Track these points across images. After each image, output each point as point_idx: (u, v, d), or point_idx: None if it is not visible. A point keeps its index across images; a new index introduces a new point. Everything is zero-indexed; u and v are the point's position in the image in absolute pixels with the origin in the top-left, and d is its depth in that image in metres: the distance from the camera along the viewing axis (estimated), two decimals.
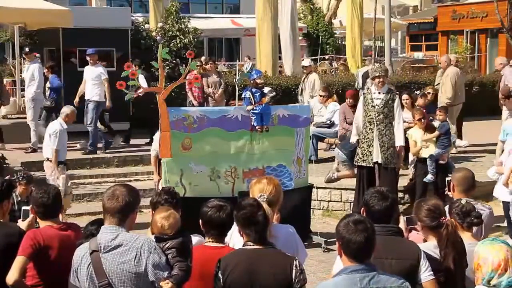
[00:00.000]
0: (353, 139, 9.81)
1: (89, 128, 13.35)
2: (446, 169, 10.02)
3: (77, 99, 13.60)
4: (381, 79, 9.51)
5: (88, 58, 13.71)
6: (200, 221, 4.61)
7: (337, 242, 3.74)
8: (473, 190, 5.58)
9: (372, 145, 9.50)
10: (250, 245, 4.18)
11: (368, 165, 9.56)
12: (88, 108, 13.41)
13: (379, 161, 9.50)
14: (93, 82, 13.42)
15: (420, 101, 11.68)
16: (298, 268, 4.10)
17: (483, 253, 3.59)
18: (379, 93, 9.54)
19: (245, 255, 4.16)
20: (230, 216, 4.49)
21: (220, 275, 4.11)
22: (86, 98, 13.51)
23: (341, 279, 3.62)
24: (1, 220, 5.04)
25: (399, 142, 9.54)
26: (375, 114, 9.50)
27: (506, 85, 13.48)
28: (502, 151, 9.27)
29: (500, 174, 8.82)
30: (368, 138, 9.56)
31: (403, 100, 11.90)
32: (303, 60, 17.22)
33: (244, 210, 4.22)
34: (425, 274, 4.25)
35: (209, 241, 4.59)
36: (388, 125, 9.52)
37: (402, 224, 4.79)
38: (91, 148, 13.26)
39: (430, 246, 4.55)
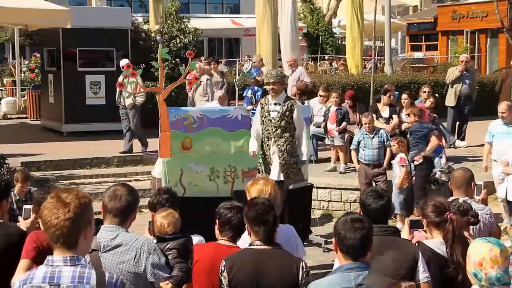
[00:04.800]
0: (252, 148, 8.40)
1: None
2: (425, 169, 9.97)
3: None
4: (270, 86, 8.16)
5: None
6: (216, 220, 4.60)
7: (334, 238, 3.75)
8: (471, 190, 5.60)
9: (271, 163, 8.30)
10: (257, 245, 4.17)
11: None
12: None
13: (280, 179, 8.10)
14: None
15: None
16: (304, 269, 4.10)
17: (469, 251, 3.67)
18: (275, 104, 8.23)
19: (251, 255, 4.15)
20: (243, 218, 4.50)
21: (225, 274, 4.10)
22: None
23: (335, 277, 3.63)
24: (1, 220, 5.03)
25: (304, 157, 8.43)
26: (272, 129, 8.23)
27: (303, 81, 14.05)
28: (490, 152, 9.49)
29: (506, 175, 8.84)
30: (267, 155, 8.35)
31: (402, 99, 11.93)
32: (303, 58, 17.22)
33: (256, 208, 4.22)
34: (422, 276, 4.26)
35: (223, 239, 4.58)
36: (289, 139, 8.22)
37: (406, 227, 4.79)
38: None
39: (436, 243, 4.58)
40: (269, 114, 8.24)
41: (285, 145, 8.22)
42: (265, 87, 8.21)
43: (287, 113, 8.17)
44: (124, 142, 13.30)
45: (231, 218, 4.54)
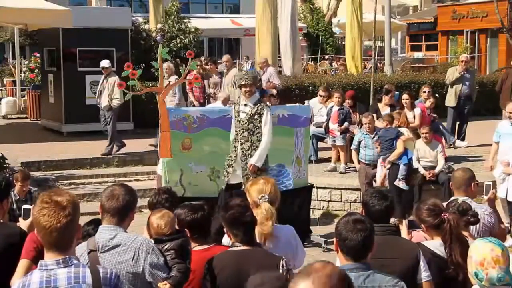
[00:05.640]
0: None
1: None
2: (392, 175, 9.80)
3: None
4: (247, 88, 7.82)
5: None
6: (187, 231, 4.56)
7: (335, 239, 3.75)
8: (471, 190, 5.58)
9: (232, 166, 8.02)
10: (237, 246, 4.18)
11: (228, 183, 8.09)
12: None
13: (239, 182, 7.94)
14: None
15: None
16: (284, 267, 4.09)
17: (470, 251, 3.67)
18: (245, 105, 7.92)
19: (233, 256, 4.16)
20: (209, 215, 4.58)
21: (208, 277, 4.11)
22: None
23: None
24: (1, 220, 5.02)
25: (252, 159, 7.88)
26: (239, 131, 7.95)
27: (271, 82, 14.27)
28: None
29: (507, 175, 8.82)
30: (230, 156, 8.09)
31: (403, 99, 11.92)
32: (303, 58, 17.22)
33: (232, 210, 4.22)
34: (424, 275, 4.26)
35: (196, 245, 4.56)
36: (255, 144, 7.90)
37: (404, 227, 4.77)
38: None
39: (436, 244, 4.57)
40: (238, 115, 7.97)
41: (250, 149, 7.92)
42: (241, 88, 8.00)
43: (255, 116, 7.86)
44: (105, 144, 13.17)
45: (186, 219, 4.54)
